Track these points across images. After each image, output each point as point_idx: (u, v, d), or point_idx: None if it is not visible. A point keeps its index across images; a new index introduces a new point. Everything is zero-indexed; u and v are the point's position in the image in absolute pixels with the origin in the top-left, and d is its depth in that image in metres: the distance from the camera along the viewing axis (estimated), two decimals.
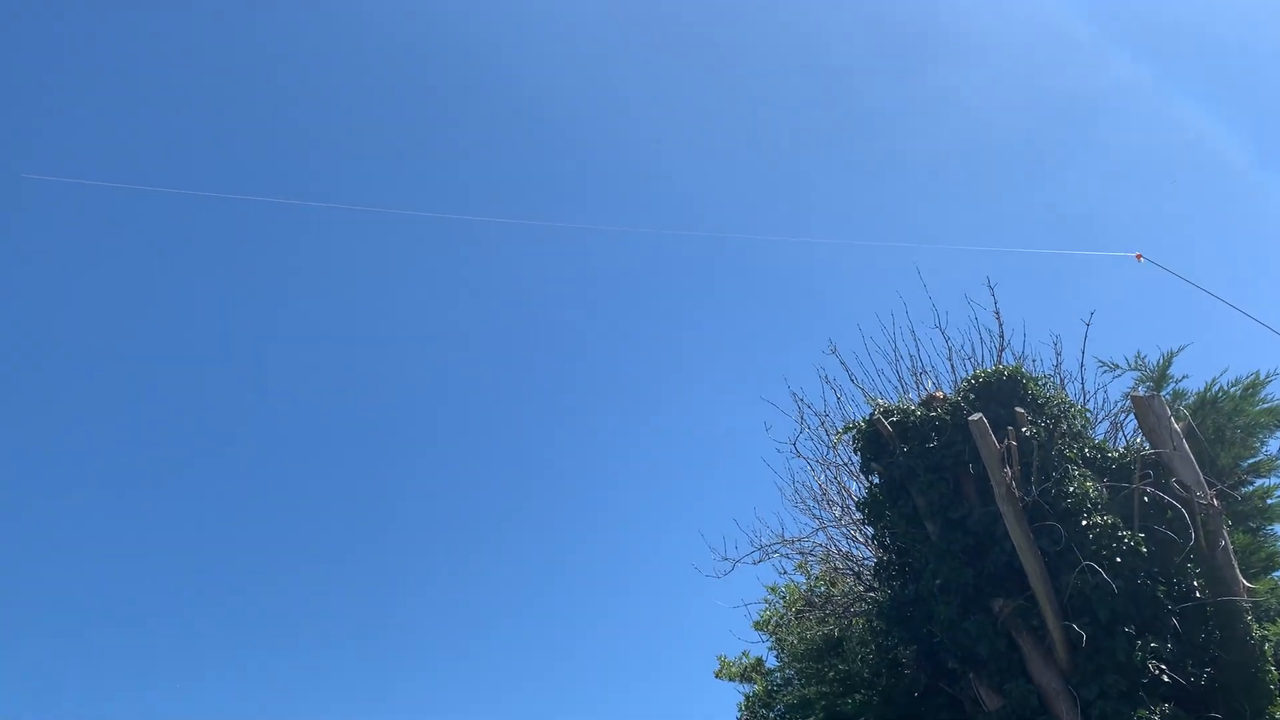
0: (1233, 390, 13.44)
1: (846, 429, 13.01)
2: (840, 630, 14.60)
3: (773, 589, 16.24)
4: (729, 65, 41.73)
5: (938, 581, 11.34)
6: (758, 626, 16.32)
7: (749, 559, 14.95)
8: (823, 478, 14.76)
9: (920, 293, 14.35)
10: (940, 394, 12.58)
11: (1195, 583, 11.09)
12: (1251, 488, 13.29)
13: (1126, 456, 11.87)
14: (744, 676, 16.63)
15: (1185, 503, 11.01)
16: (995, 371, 12.38)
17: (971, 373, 12.79)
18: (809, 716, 14.05)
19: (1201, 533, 10.89)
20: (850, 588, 14.87)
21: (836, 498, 14.75)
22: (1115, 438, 13.65)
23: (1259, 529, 13.06)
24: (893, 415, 12.24)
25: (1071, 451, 11.76)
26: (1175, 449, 11.37)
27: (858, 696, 13.45)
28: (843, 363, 14.42)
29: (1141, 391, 12.34)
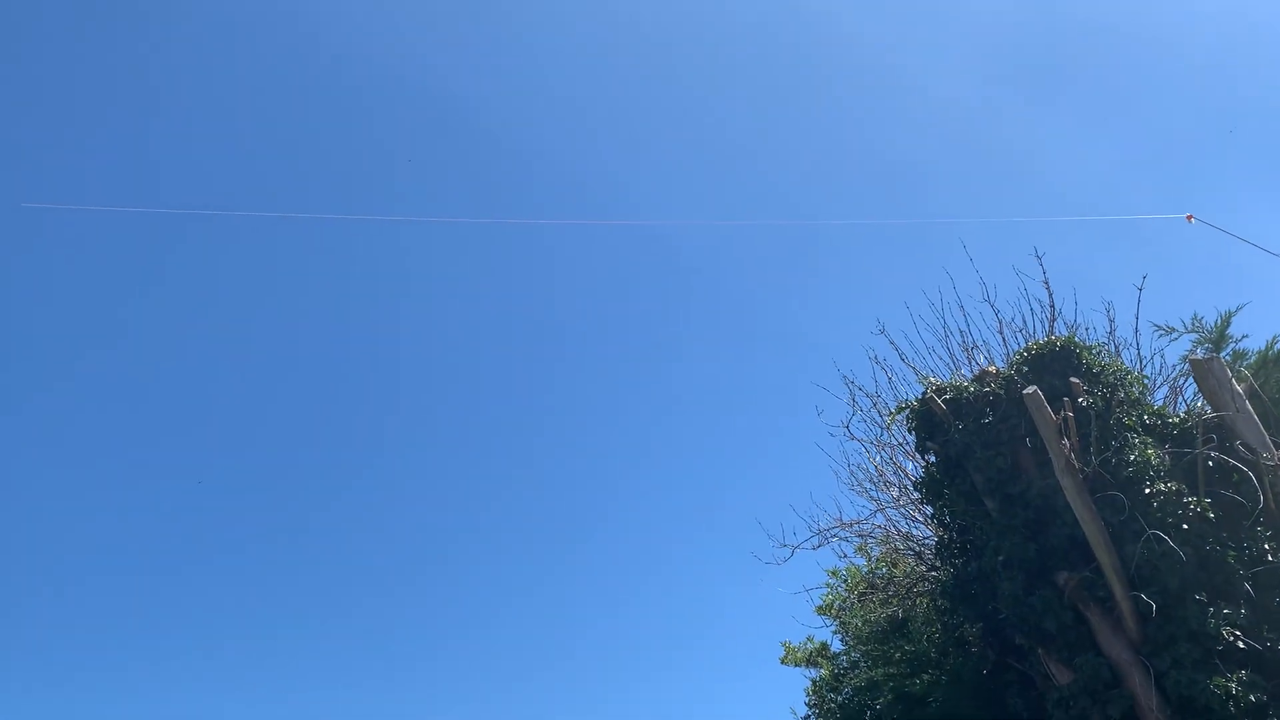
0: None
1: (900, 409, 12.92)
2: (904, 611, 14.54)
3: (834, 573, 16.21)
4: (774, 57, 41.48)
5: (1000, 558, 11.24)
6: (820, 611, 16.29)
7: (808, 544, 14.95)
8: (878, 459, 14.70)
9: (967, 267, 14.24)
10: (993, 368, 12.46)
11: (1266, 545, 10.88)
12: None
13: (1188, 421, 11.67)
14: (809, 662, 16.60)
15: (1251, 465, 10.82)
16: (1048, 342, 12.23)
17: (1023, 345, 12.66)
18: (877, 699, 14.01)
19: (1270, 495, 10.70)
20: (912, 568, 14.79)
21: (893, 478, 14.69)
22: (1175, 403, 13.43)
23: None
24: (945, 393, 12.14)
25: (1130, 419, 11.59)
26: (1238, 410, 11.16)
27: (926, 677, 13.39)
28: (892, 342, 14.35)
29: (1200, 354, 12.15)
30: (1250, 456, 10.85)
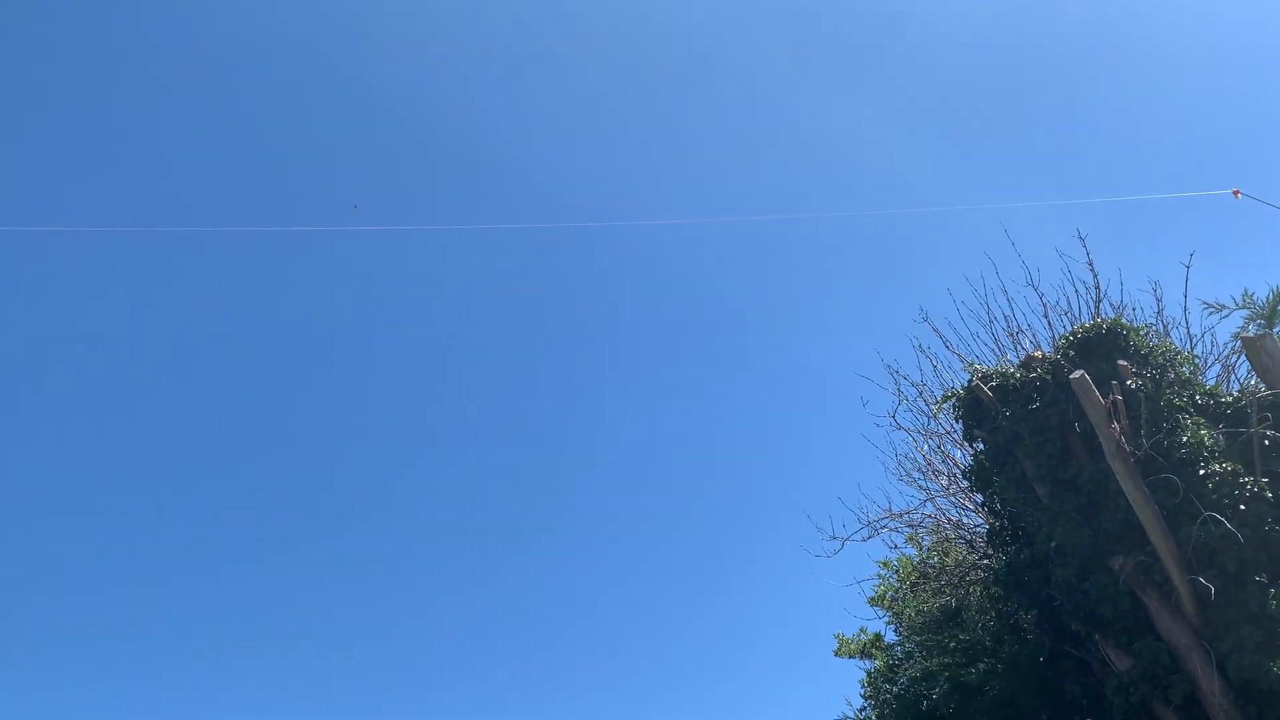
0: None
1: (946, 398, 12.85)
2: (957, 600, 14.45)
3: (885, 564, 16.14)
4: (810, 47, 41.20)
5: (1053, 544, 11.15)
6: (873, 602, 16.23)
7: (858, 536, 14.94)
8: (925, 448, 14.64)
9: (1009, 252, 14.11)
10: (1039, 353, 12.34)
11: None
12: None
13: (1241, 400, 11.48)
14: (863, 653, 16.54)
15: None
16: (1094, 325, 12.09)
17: (1069, 328, 12.53)
18: (933, 689, 13.94)
19: None
20: (964, 556, 14.70)
21: (942, 467, 14.61)
22: (1228, 381, 13.23)
23: None
24: (992, 380, 12.05)
25: (1181, 400, 11.42)
26: None
27: (981, 665, 13.30)
28: (935, 330, 14.29)
29: (1252, 331, 11.93)
30: None
